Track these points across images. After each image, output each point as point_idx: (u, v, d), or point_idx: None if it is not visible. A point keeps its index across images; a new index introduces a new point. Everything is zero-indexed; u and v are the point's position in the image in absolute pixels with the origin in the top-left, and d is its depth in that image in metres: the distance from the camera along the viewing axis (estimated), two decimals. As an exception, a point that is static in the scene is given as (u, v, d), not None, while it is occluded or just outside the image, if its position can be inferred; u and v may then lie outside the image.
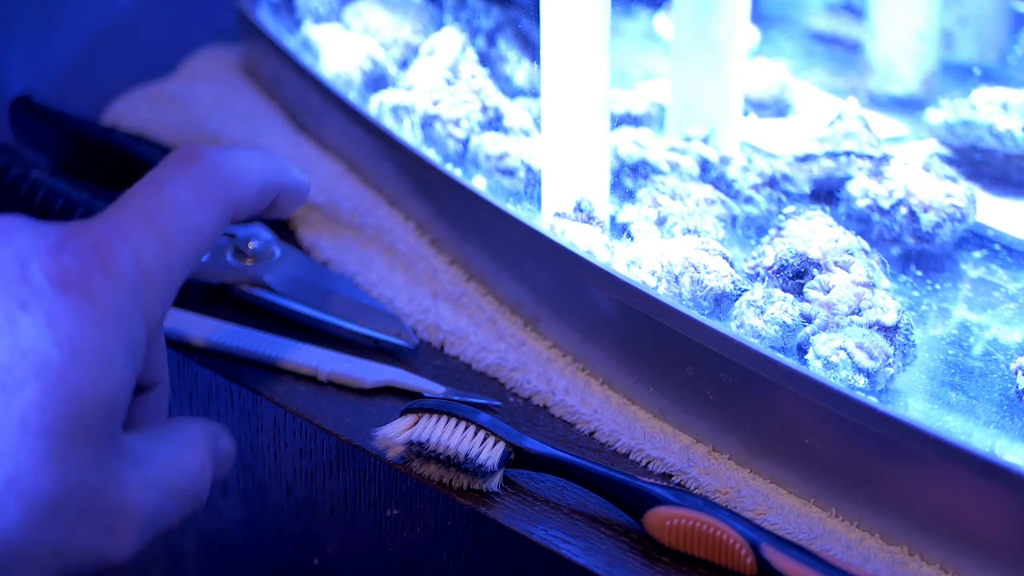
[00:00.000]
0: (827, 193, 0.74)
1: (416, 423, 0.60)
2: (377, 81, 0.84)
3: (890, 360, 0.60)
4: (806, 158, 0.75)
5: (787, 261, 0.65)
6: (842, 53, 0.95)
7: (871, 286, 0.63)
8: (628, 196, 0.73)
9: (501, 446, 0.59)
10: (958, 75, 0.87)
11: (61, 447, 0.44)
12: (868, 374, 0.59)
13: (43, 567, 0.45)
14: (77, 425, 0.45)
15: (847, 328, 0.60)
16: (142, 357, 0.48)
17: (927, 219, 0.70)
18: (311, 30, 0.88)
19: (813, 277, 0.64)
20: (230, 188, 0.52)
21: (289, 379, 0.67)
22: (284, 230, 0.80)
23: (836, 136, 0.76)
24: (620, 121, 0.79)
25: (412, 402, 0.61)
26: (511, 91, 0.84)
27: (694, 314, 0.61)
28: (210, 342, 0.69)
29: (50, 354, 0.45)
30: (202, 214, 0.50)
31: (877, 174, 0.73)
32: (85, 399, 0.45)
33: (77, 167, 0.82)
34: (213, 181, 0.51)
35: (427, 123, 0.78)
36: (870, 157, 0.74)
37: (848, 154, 0.74)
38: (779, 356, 0.59)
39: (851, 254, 0.64)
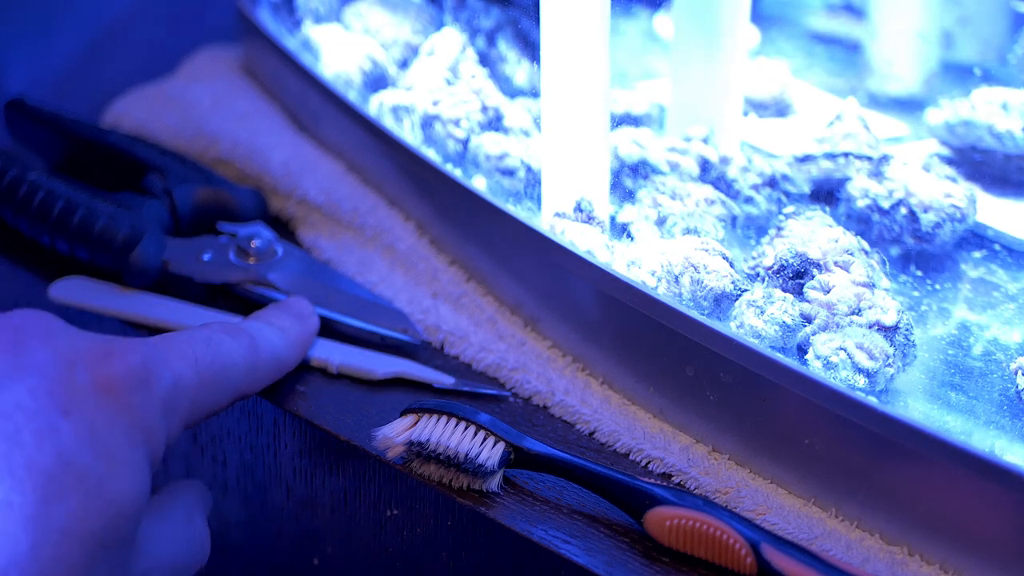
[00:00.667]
0: (827, 193, 0.75)
1: (416, 423, 0.60)
2: (377, 81, 0.84)
3: (890, 360, 0.60)
4: (805, 159, 0.75)
5: (787, 261, 0.65)
6: (842, 53, 0.95)
7: (871, 286, 0.63)
8: (628, 196, 0.73)
9: (501, 446, 0.59)
10: (958, 75, 0.87)
11: (97, 553, 0.47)
12: (868, 374, 0.59)
13: None
14: (110, 532, 0.48)
15: (847, 328, 0.60)
16: (160, 459, 0.51)
17: (927, 219, 0.70)
18: (311, 30, 0.88)
19: (813, 277, 0.64)
20: (255, 368, 0.60)
21: (289, 379, 0.67)
22: (285, 230, 0.80)
23: (835, 137, 0.76)
24: (620, 121, 0.79)
25: (412, 402, 0.61)
26: (511, 91, 0.84)
27: (694, 314, 0.61)
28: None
29: (90, 464, 0.47)
30: (230, 380, 0.57)
31: (877, 174, 0.73)
32: (118, 509, 0.48)
33: (73, 168, 0.82)
34: (247, 358, 0.59)
35: (427, 123, 0.78)
36: (868, 158, 0.74)
37: (847, 155, 0.74)
38: (779, 356, 0.59)
39: (851, 254, 0.64)
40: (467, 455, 0.59)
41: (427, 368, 0.68)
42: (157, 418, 0.51)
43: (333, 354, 0.68)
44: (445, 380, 0.67)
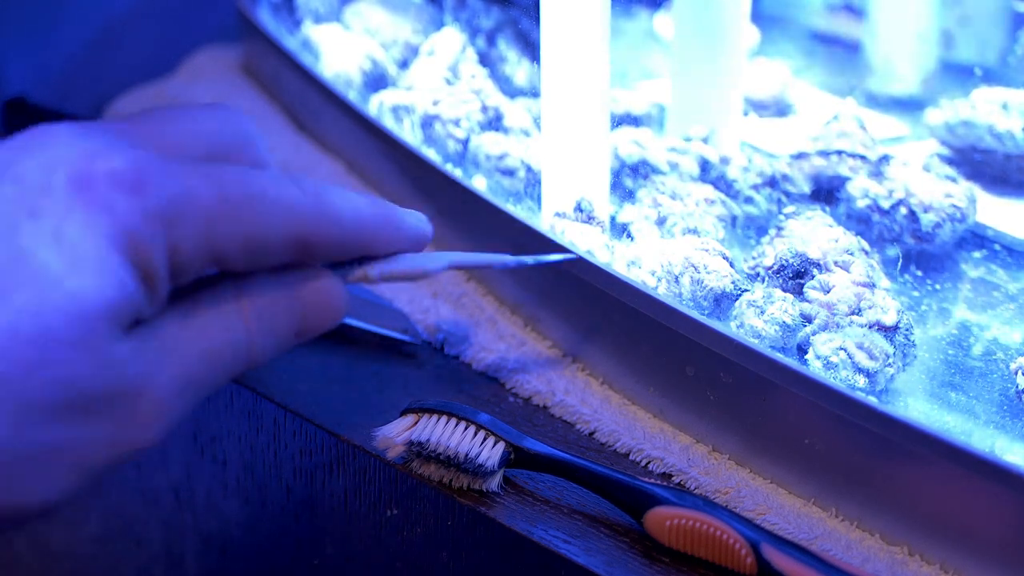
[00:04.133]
0: (827, 193, 0.75)
1: (416, 423, 0.60)
2: (377, 81, 0.84)
3: (890, 360, 0.60)
4: (799, 156, 0.75)
5: (787, 261, 0.65)
6: (842, 53, 0.95)
7: (871, 286, 0.63)
8: (628, 196, 0.73)
9: (501, 446, 0.59)
10: (958, 75, 0.87)
11: (53, 353, 0.44)
12: (868, 374, 0.59)
13: (57, 466, 0.46)
14: (71, 331, 0.44)
15: (847, 328, 0.60)
16: (163, 284, 0.47)
17: (927, 219, 0.70)
18: (311, 30, 0.88)
19: (813, 277, 0.64)
20: (310, 201, 0.51)
21: (288, 378, 0.67)
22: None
23: (829, 135, 0.76)
24: (620, 121, 0.79)
25: (412, 402, 0.61)
26: (511, 91, 0.84)
27: (694, 314, 0.61)
28: None
29: (49, 261, 0.44)
30: (271, 199, 0.49)
31: (877, 174, 0.73)
32: (79, 306, 0.44)
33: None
34: (293, 184, 0.51)
35: (427, 123, 0.78)
36: (861, 157, 0.74)
37: (839, 153, 0.74)
38: (779, 356, 0.59)
39: (851, 254, 0.64)
40: (467, 455, 0.59)
41: (480, 254, 0.63)
42: (148, 226, 0.46)
43: (372, 267, 0.56)
44: (507, 260, 0.62)
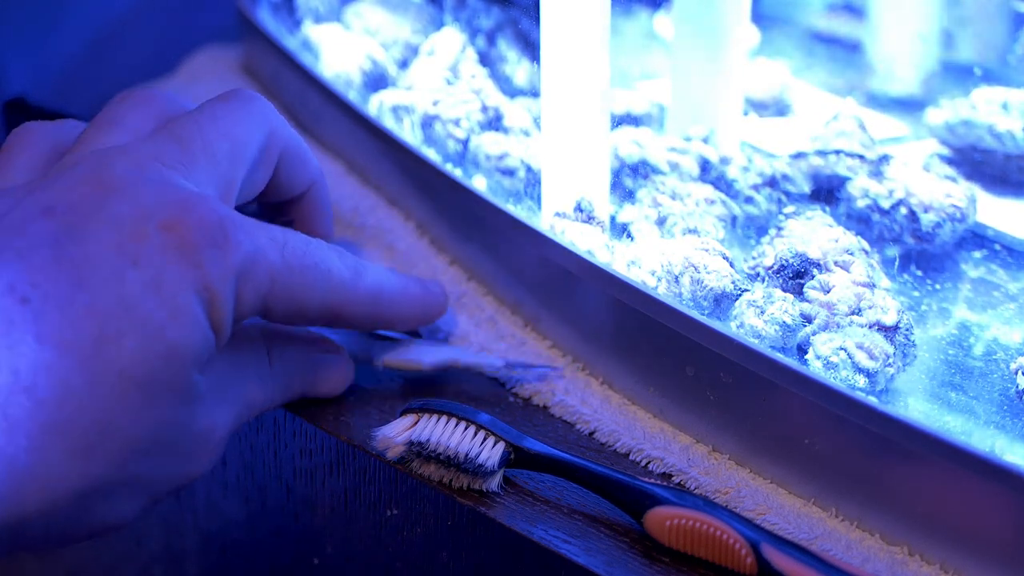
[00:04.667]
0: (827, 193, 0.75)
1: (416, 423, 0.60)
2: (377, 81, 0.84)
3: (890, 360, 0.60)
4: (797, 156, 0.75)
5: (787, 261, 0.65)
6: (842, 53, 0.95)
7: (871, 286, 0.63)
8: (628, 196, 0.73)
9: (501, 446, 0.59)
10: (958, 75, 0.87)
11: (154, 396, 0.49)
12: (868, 374, 0.59)
13: (136, 494, 0.51)
14: (169, 377, 0.49)
15: (847, 328, 0.60)
16: (228, 322, 0.52)
17: (927, 219, 0.70)
18: (311, 30, 0.88)
19: (813, 277, 0.64)
20: (350, 283, 0.59)
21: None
22: (284, 230, 0.80)
23: (828, 135, 0.76)
24: (620, 121, 0.79)
25: (412, 402, 0.61)
26: (511, 91, 0.84)
27: (694, 314, 0.61)
28: None
29: (152, 311, 0.48)
30: (333, 261, 0.58)
31: (877, 174, 0.73)
32: (179, 355, 0.49)
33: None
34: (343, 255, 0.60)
35: (427, 123, 0.78)
36: (860, 156, 0.74)
37: (837, 152, 0.74)
38: (779, 356, 0.59)
39: (851, 254, 0.64)
40: (467, 455, 0.59)
41: (474, 353, 0.67)
42: (227, 282, 0.51)
43: (375, 347, 0.66)
44: (496, 362, 0.66)
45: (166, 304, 0.49)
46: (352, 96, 0.82)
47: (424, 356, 0.66)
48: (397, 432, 0.60)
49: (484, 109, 0.78)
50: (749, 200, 0.73)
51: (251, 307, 0.53)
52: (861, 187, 0.72)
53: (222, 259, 0.51)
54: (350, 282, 0.58)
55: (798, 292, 0.64)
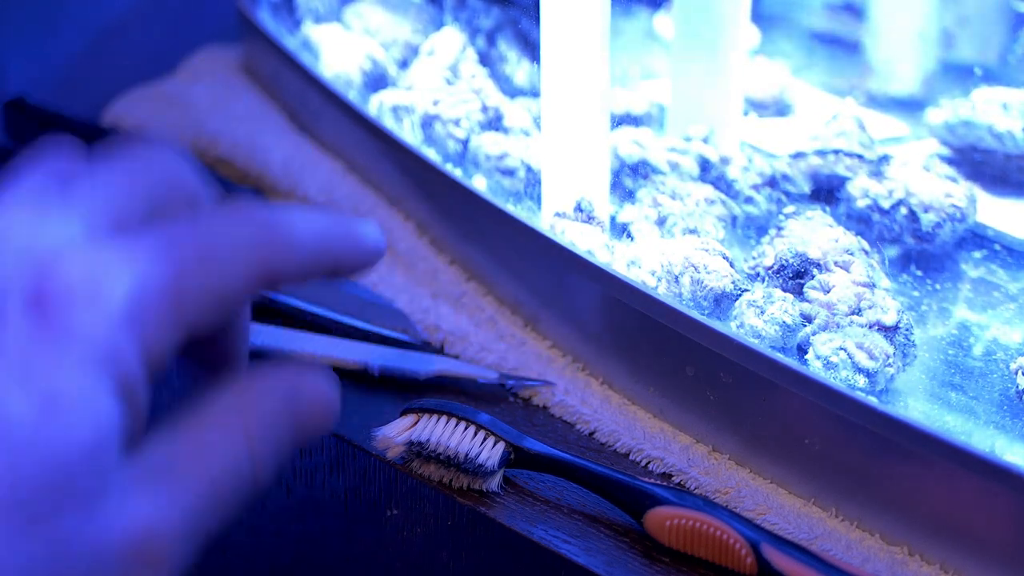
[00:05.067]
0: (827, 193, 0.75)
1: (416, 423, 0.60)
2: (377, 81, 0.84)
3: (890, 360, 0.60)
4: (797, 155, 0.75)
5: (787, 261, 0.65)
6: (842, 53, 0.95)
7: (871, 286, 0.63)
8: (628, 196, 0.73)
9: (501, 446, 0.59)
10: (958, 75, 0.87)
11: (37, 514, 0.38)
12: (868, 374, 0.59)
13: None
14: (55, 486, 0.38)
15: (847, 328, 0.60)
16: (142, 390, 0.41)
17: (927, 219, 0.70)
18: (311, 30, 0.88)
19: (813, 277, 0.64)
20: (266, 233, 0.44)
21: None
22: (284, 230, 0.80)
23: (827, 135, 0.76)
24: (620, 121, 0.79)
25: (412, 402, 0.61)
26: (511, 91, 0.84)
27: (694, 314, 0.61)
28: (251, 345, 0.69)
29: (19, 411, 0.38)
30: (228, 247, 0.43)
31: (877, 174, 0.73)
32: (64, 457, 0.38)
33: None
34: (244, 221, 0.44)
35: (427, 123, 0.78)
36: (859, 156, 0.74)
37: (837, 152, 0.74)
38: (779, 356, 0.59)
39: (851, 254, 0.64)
40: (467, 455, 0.59)
41: (469, 364, 0.68)
42: (116, 335, 0.40)
43: (373, 357, 0.67)
44: (489, 375, 0.67)
45: (37, 398, 0.38)
46: (352, 96, 0.82)
47: (419, 366, 0.67)
48: (397, 432, 0.60)
49: (484, 109, 0.78)
50: (749, 200, 0.73)
51: (167, 339, 0.41)
52: (861, 187, 0.72)
53: (97, 313, 0.40)
54: (267, 237, 0.45)
55: (798, 292, 0.64)
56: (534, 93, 0.82)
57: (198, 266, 0.42)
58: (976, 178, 0.76)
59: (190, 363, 0.48)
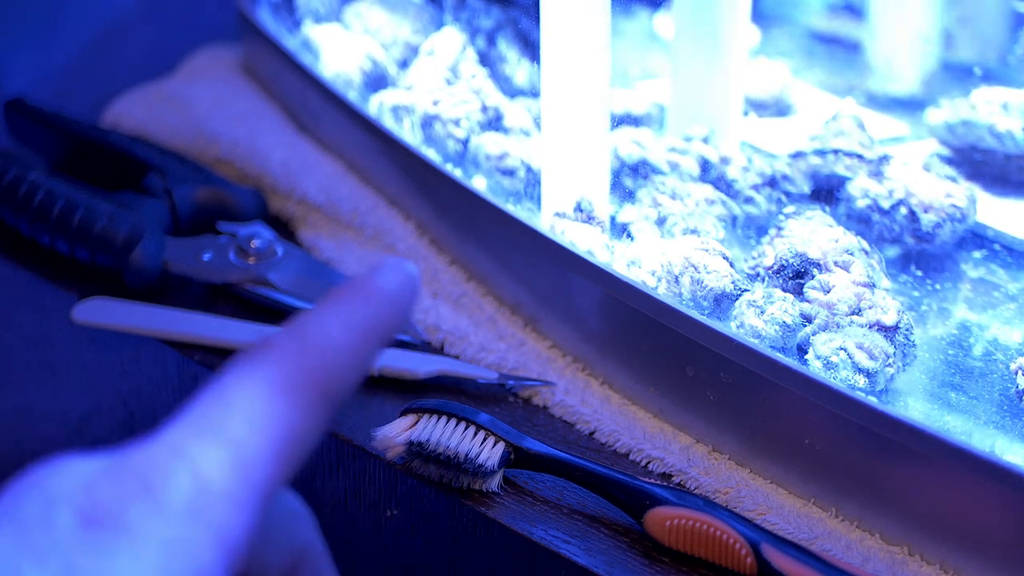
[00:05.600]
0: (827, 193, 0.75)
1: (416, 423, 0.60)
2: (377, 81, 0.84)
3: (890, 360, 0.60)
4: (796, 155, 0.75)
5: (787, 261, 0.65)
6: (842, 53, 0.95)
7: (871, 286, 0.63)
8: (628, 196, 0.73)
9: (501, 446, 0.59)
10: (958, 75, 0.87)
11: None
12: (868, 374, 0.59)
13: None
14: None
15: (847, 328, 0.60)
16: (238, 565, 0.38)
17: (927, 219, 0.70)
18: (311, 30, 0.88)
19: (813, 277, 0.64)
20: (318, 369, 0.41)
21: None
22: (285, 230, 0.80)
23: (827, 135, 0.76)
24: (620, 121, 0.79)
25: (412, 402, 0.61)
26: (511, 91, 0.84)
27: (694, 314, 0.61)
28: (251, 344, 0.68)
29: None
30: (284, 412, 0.40)
31: (877, 174, 0.73)
32: None
33: (73, 168, 0.82)
34: (299, 365, 0.41)
35: (427, 123, 0.78)
36: (858, 156, 0.74)
37: (836, 152, 0.74)
38: (779, 356, 0.59)
39: (851, 254, 0.64)
40: (467, 455, 0.59)
41: (468, 364, 0.68)
42: (179, 527, 0.37)
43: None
44: (488, 375, 0.67)
45: None
46: (352, 96, 0.82)
47: (419, 366, 0.67)
48: (397, 432, 0.60)
49: (484, 109, 0.78)
50: (749, 200, 0.73)
51: (247, 521, 0.38)
52: (861, 187, 0.72)
53: (156, 508, 0.37)
54: (302, 369, 0.41)
55: (798, 292, 0.64)
56: (534, 93, 0.82)
57: (262, 434, 0.39)
58: (976, 178, 0.76)
59: None
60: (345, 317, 0.42)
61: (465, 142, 0.77)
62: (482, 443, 0.59)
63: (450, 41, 0.82)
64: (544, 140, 0.69)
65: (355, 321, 0.42)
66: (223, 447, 0.38)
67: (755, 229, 0.72)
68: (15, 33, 0.96)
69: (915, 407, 0.60)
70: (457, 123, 0.77)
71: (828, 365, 0.59)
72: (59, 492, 0.37)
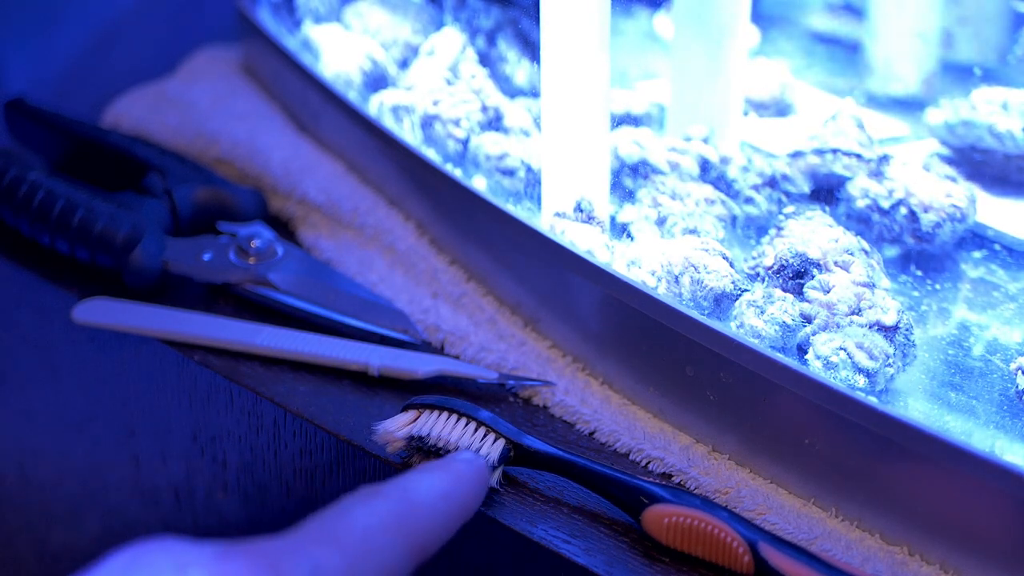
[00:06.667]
0: (827, 193, 0.75)
1: (417, 418, 0.60)
2: (377, 81, 0.84)
3: (890, 360, 0.60)
4: (795, 155, 0.75)
5: (787, 261, 0.65)
6: (842, 53, 0.95)
7: (871, 286, 0.63)
8: (628, 196, 0.73)
9: (501, 442, 0.59)
10: (958, 75, 0.87)
11: None
12: (868, 374, 0.59)
13: None
14: None
15: (847, 328, 0.60)
16: None
17: (927, 219, 0.70)
18: (311, 30, 0.88)
19: (813, 277, 0.64)
20: (418, 519, 0.50)
21: (288, 379, 0.67)
22: (285, 230, 0.80)
23: (826, 134, 0.76)
24: (620, 121, 0.79)
25: (413, 398, 0.61)
26: (511, 91, 0.84)
27: (694, 314, 0.61)
28: (251, 344, 0.69)
29: None
30: (387, 544, 0.48)
31: (877, 174, 0.73)
32: None
33: (73, 168, 0.82)
34: (401, 511, 0.50)
35: (427, 123, 0.78)
36: (857, 155, 0.74)
37: (835, 151, 0.74)
38: (779, 356, 0.59)
39: (851, 254, 0.64)
40: (467, 450, 0.59)
41: (468, 364, 0.67)
42: None
43: (373, 356, 0.67)
44: (488, 375, 0.67)
45: None
46: (352, 96, 0.82)
47: (419, 366, 0.67)
48: (398, 427, 0.60)
49: (484, 109, 0.78)
50: (749, 200, 0.73)
51: None
52: (861, 187, 0.72)
53: None
54: (413, 518, 0.50)
55: (798, 292, 0.64)
56: (534, 93, 0.82)
57: (363, 552, 0.47)
58: (976, 178, 0.76)
59: None
60: (444, 489, 0.52)
61: (465, 142, 0.77)
62: (482, 439, 0.59)
63: (450, 41, 0.82)
64: (544, 140, 0.69)
65: (452, 497, 0.52)
66: (341, 557, 0.46)
67: (755, 229, 0.72)
68: (15, 33, 0.96)
69: (915, 407, 0.60)
70: (457, 123, 0.77)
71: (828, 365, 0.59)
72: (190, 559, 0.42)
